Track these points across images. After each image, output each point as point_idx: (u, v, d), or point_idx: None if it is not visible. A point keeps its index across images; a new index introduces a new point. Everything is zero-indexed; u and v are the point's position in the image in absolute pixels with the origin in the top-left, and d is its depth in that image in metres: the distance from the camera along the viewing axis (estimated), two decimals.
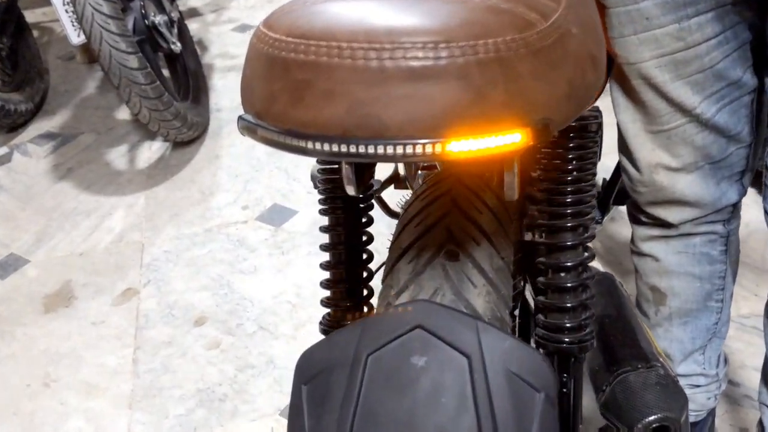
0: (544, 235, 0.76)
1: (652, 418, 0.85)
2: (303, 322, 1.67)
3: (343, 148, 0.46)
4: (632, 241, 1.17)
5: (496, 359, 0.51)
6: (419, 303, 0.53)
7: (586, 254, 0.75)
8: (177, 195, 2.15)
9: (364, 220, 0.79)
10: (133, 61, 1.97)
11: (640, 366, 0.90)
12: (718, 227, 1.07)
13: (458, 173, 0.72)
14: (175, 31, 2.38)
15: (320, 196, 0.79)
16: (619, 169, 1.31)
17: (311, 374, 0.53)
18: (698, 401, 1.24)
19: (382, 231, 0.80)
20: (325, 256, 0.81)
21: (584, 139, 0.72)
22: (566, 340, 0.75)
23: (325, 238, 0.81)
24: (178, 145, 2.37)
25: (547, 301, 0.75)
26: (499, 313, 0.62)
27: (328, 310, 0.81)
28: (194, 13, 3.38)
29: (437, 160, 0.45)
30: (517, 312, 0.95)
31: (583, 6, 0.60)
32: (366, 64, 0.45)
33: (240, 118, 0.51)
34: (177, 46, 2.32)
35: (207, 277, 1.82)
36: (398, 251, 0.65)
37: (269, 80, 0.49)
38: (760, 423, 1.13)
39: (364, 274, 0.80)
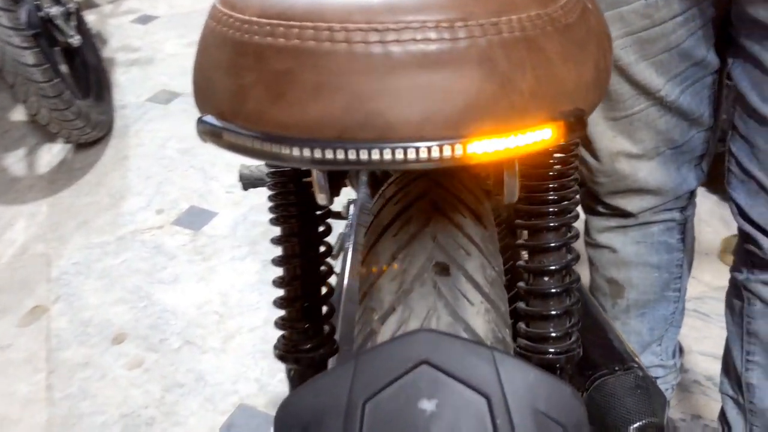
0: (524, 236, 0.69)
1: (637, 424, 0.80)
2: (232, 333, 1.55)
3: (340, 155, 0.36)
4: (587, 233, 1.12)
5: (520, 397, 0.43)
6: (421, 333, 0.44)
7: (570, 256, 0.69)
8: (83, 201, 1.99)
9: (321, 228, 0.70)
10: (29, 57, 1.80)
11: (617, 368, 0.85)
12: (676, 214, 1.05)
13: (432, 172, 0.63)
14: (73, 23, 2.20)
15: (270, 203, 0.69)
16: None
17: (296, 428, 0.44)
18: None
19: None
20: (279, 271, 0.71)
21: None
22: (551, 350, 0.68)
23: (278, 251, 0.71)
24: (82, 146, 2.20)
25: (529, 308, 0.68)
26: (500, 333, 0.54)
27: (284, 332, 0.71)
28: (90, 4, 3.17)
29: (455, 165, 0.37)
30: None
31: None
32: (367, 50, 0.36)
33: (200, 120, 0.41)
34: (76, 40, 2.15)
35: (123, 290, 1.68)
36: (377, 266, 0.56)
37: (238, 72, 0.38)
38: (723, 414, 1.10)
39: (324, 290, 0.70)
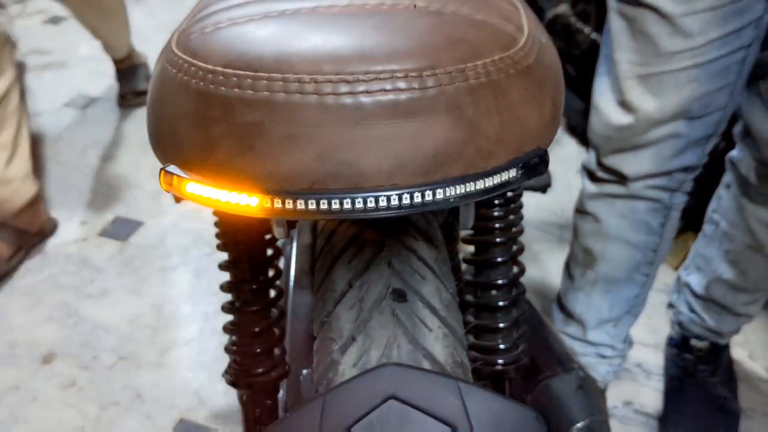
0: (472, 252, 0.70)
1: (581, 424, 0.83)
2: (168, 346, 1.52)
3: (312, 205, 0.36)
4: (578, 201, 1.16)
5: (486, 425, 0.44)
6: (388, 368, 0.45)
7: (516, 269, 0.71)
8: None
9: (270, 252, 0.69)
10: None
11: (558, 370, 0.88)
12: (664, 196, 1.06)
13: None
14: None
15: (217, 229, 0.68)
16: None
17: None
18: (600, 372, 1.26)
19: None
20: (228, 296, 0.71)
21: None
22: (500, 361, 0.70)
23: (226, 276, 0.70)
24: None
25: (478, 321, 0.69)
26: (458, 357, 0.55)
27: (234, 358, 0.71)
28: None
29: (426, 210, 0.37)
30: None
31: (525, 5, 0.53)
32: (337, 102, 0.36)
33: (164, 171, 0.40)
34: None
35: (50, 307, 1.62)
36: (332, 294, 0.57)
37: (204, 123, 0.38)
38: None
39: (274, 313, 0.70)
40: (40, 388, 1.44)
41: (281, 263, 1.09)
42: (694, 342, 1.29)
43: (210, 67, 0.38)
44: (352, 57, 0.37)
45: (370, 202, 0.36)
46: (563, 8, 1.89)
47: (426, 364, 0.51)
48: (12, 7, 3.05)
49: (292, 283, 0.94)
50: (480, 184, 0.38)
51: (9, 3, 3.07)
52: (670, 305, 1.33)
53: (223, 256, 0.69)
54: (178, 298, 1.64)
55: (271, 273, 0.70)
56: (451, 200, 0.38)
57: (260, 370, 0.70)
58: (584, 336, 1.23)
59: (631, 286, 1.16)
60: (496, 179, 0.39)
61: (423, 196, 0.37)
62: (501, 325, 0.69)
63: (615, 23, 0.95)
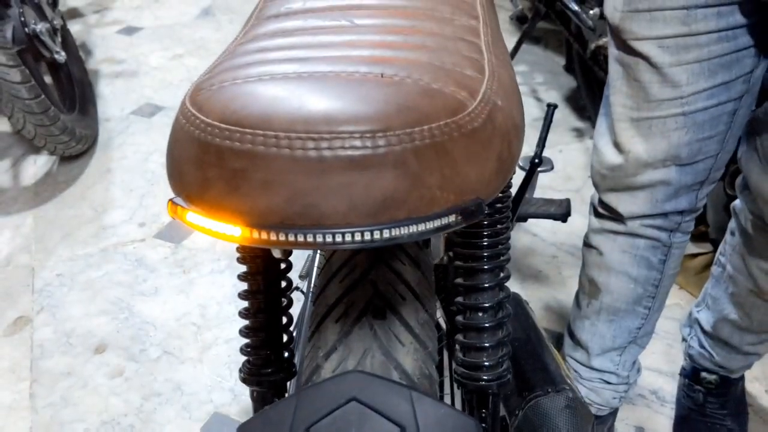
0: (461, 276, 0.78)
1: None
2: (209, 344, 1.63)
3: (281, 237, 0.45)
4: (586, 234, 1.22)
5: (430, 428, 0.52)
6: (353, 374, 0.53)
7: (502, 294, 0.78)
8: (68, 213, 2.06)
9: (282, 266, 0.78)
10: (15, 75, 1.87)
11: (549, 389, 0.94)
12: (663, 235, 1.11)
13: None
14: (59, 38, 2.27)
15: (236, 244, 0.78)
16: (525, 185, 1.35)
17: None
18: (604, 397, 1.31)
19: None
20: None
21: None
22: (485, 378, 0.77)
23: (244, 286, 0.79)
24: (66, 159, 2.27)
25: (465, 340, 0.77)
26: (427, 370, 0.63)
27: (248, 358, 0.80)
28: (75, 14, 3.23)
29: (377, 246, 0.46)
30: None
31: (504, 65, 0.61)
32: (304, 154, 0.45)
33: (171, 201, 0.50)
34: (61, 56, 2.22)
35: (105, 301, 1.76)
36: (324, 308, 0.65)
37: (202, 166, 0.47)
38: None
39: (284, 320, 0.79)
40: (90, 376, 1.56)
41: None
42: (704, 375, 1.33)
43: (209, 120, 0.48)
44: (320, 119, 0.46)
45: (329, 237, 0.45)
46: (606, 40, 1.93)
47: (395, 375, 0.59)
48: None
49: (313, 290, 1.03)
50: (422, 226, 0.47)
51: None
52: (684, 338, 1.38)
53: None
54: (223, 300, 1.75)
55: (283, 284, 0.78)
56: (398, 238, 0.46)
57: (269, 371, 0.78)
58: (589, 362, 1.28)
59: (633, 318, 1.21)
60: (436, 223, 0.47)
61: (372, 234, 0.45)
62: (486, 344, 0.76)
63: (613, 68, 1.01)
